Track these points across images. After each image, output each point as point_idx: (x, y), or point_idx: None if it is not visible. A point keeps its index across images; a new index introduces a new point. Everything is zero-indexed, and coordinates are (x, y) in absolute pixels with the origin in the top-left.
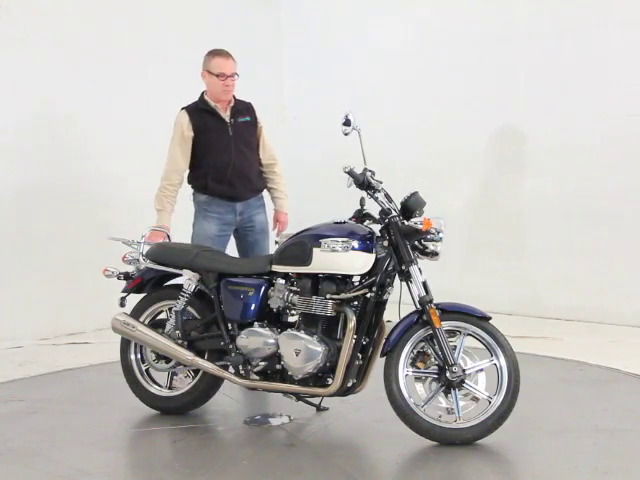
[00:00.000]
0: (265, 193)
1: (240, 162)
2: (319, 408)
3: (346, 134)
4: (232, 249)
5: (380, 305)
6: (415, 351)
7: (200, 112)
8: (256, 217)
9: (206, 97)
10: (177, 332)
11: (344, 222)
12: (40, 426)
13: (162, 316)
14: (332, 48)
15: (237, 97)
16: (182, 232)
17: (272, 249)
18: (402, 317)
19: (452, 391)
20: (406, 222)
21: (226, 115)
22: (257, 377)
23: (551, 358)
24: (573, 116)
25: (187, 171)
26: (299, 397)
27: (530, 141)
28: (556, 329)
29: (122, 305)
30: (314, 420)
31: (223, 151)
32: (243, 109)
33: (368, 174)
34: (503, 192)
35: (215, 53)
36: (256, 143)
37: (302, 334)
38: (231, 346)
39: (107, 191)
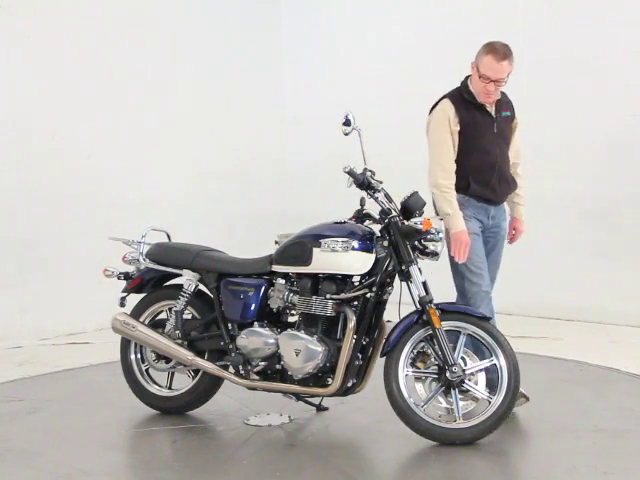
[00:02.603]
0: None
1: (503, 163)
2: (319, 408)
3: (346, 134)
4: (233, 249)
5: (380, 305)
6: (415, 351)
7: (466, 103)
8: (503, 223)
9: (471, 87)
10: (177, 332)
11: (344, 222)
12: (40, 426)
13: (162, 316)
14: (332, 48)
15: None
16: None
17: (272, 249)
18: (402, 317)
19: (452, 391)
20: (406, 222)
21: (492, 109)
22: (257, 377)
23: (551, 358)
24: (573, 116)
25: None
26: (299, 397)
27: (530, 141)
28: (556, 329)
29: (122, 305)
30: (314, 420)
31: (488, 150)
32: (504, 102)
33: (368, 174)
34: None
35: (490, 50)
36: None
37: (302, 334)
38: (231, 346)
39: (107, 191)
